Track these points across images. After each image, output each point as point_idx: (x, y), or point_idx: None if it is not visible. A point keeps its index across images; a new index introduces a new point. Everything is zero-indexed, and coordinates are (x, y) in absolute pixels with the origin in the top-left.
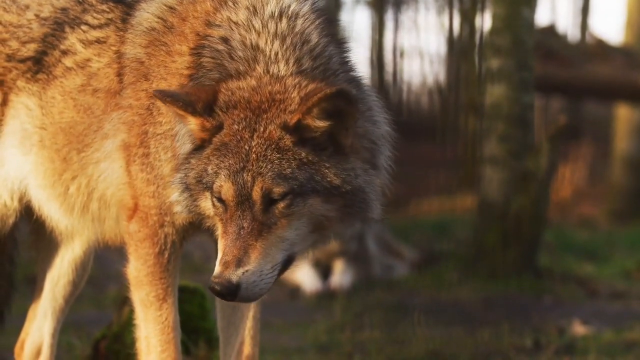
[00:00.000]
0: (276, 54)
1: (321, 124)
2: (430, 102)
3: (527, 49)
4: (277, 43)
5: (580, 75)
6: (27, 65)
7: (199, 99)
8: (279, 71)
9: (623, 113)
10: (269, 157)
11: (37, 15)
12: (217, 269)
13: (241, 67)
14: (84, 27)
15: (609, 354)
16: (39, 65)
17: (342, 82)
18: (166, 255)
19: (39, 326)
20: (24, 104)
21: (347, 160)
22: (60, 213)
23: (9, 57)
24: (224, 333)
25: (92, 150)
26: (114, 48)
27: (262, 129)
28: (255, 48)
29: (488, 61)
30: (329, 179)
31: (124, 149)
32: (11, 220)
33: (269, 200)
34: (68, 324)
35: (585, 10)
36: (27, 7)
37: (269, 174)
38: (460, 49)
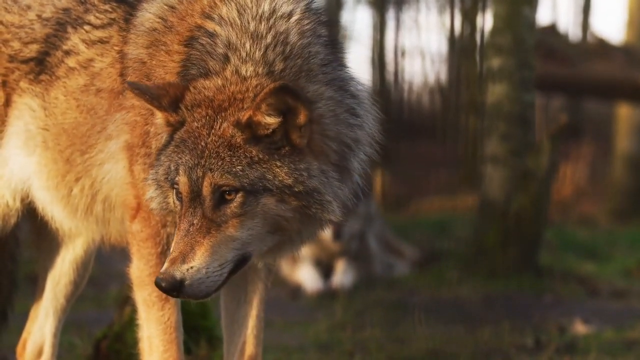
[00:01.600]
0: (247, 54)
1: (271, 120)
2: (432, 102)
3: (528, 48)
4: (250, 43)
5: (581, 74)
6: (29, 66)
7: (166, 94)
8: (246, 72)
9: (624, 112)
10: (220, 154)
11: (39, 16)
12: (164, 265)
13: (217, 66)
14: (86, 27)
15: (609, 353)
16: (41, 66)
17: (316, 84)
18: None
19: (41, 326)
20: (28, 105)
21: (303, 160)
22: (64, 215)
23: (11, 58)
24: (227, 331)
25: (96, 151)
26: (116, 48)
27: (217, 127)
28: (232, 47)
29: (489, 60)
30: (280, 178)
31: (127, 150)
32: (13, 220)
33: (219, 197)
34: (69, 324)
35: (586, 9)
36: (29, 7)
37: (218, 170)
38: (461, 48)
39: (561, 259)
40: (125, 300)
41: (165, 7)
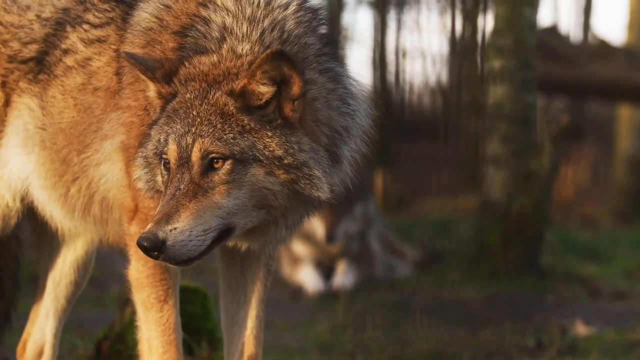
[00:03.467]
0: (243, 35)
1: (264, 89)
2: (433, 102)
3: (529, 49)
4: (246, 25)
5: (583, 75)
6: (29, 66)
7: (160, 67)
8: (242, 50)
9: (625, 113)
10: (212, 121)
11: (38, 16)
12: (148, 225)
13: (212, 46)
14: (85, 26)
15: (611, 354)
16: (40, 66)
17: (310, 71)
18: None
19: (41, 326)
20: (26, 105)
21: (294, 134)
22: (62, 215)
23: (11, 58)
24: (227, 332)
25: (92, 151)
26: (113, 47)
27: (210, 96)
28: (228, 30)
29: (490, 61)
30: (271, 149)
31: (123, 151)
32: (13, 221)
33: (208, 164)
34: (70, 324)
35: (587, 10)
36: (28, 7)
37: (208, 137)
38: (462, 49)
39: (563, 260)
40: (126, 301)
41: (161, 6)
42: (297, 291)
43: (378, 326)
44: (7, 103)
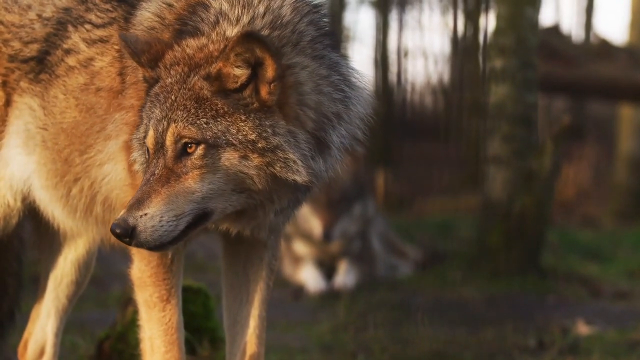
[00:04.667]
0: (235, 19)
1: (239, 72)
2: (434, 102)
3: (530, 48)
4: (239, 9)
5: (584, 75)
6: (30, 65)
7: (148, 51)
8: (231, 33)
9: (627, 113)
10: (187, 106)
11: (39, 15)
12: (121, 212)
13: (206, 29)
14: (87, 26)
15: (612, 354)
16: (41, 66)
17: (302, 56)
18: (169, 256)
19: (42, 326)
20: (28, 105)
21: (269, 117)
22: (63, 215)
23: (12, 58)
24: (229, 332)
25: (95, 151)
26: (116, 47)
27: (189, 81)
28: (223, 14)
29: (492, 61)
30: (244, 133)
31: (127, 150)
32: (14, 221)
33: (181, 149)
34: (71, 324)
35: (589, 10)
36: (29, 7)
37: (181, 122)
38: (464, 49)
39: (564, 260)
40: (128, 301)
41: (163, 5)
42: (298, 291)
43: (379, 326)
44: (8, 103)
